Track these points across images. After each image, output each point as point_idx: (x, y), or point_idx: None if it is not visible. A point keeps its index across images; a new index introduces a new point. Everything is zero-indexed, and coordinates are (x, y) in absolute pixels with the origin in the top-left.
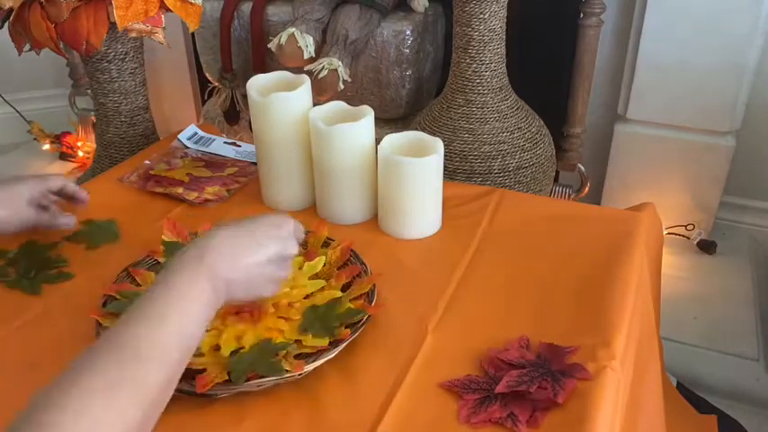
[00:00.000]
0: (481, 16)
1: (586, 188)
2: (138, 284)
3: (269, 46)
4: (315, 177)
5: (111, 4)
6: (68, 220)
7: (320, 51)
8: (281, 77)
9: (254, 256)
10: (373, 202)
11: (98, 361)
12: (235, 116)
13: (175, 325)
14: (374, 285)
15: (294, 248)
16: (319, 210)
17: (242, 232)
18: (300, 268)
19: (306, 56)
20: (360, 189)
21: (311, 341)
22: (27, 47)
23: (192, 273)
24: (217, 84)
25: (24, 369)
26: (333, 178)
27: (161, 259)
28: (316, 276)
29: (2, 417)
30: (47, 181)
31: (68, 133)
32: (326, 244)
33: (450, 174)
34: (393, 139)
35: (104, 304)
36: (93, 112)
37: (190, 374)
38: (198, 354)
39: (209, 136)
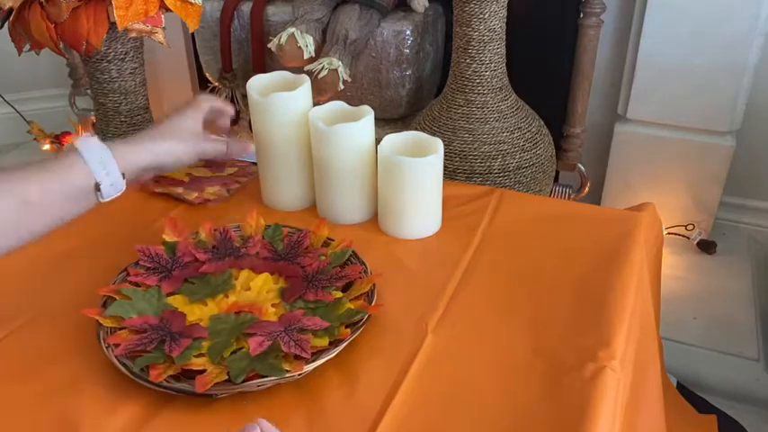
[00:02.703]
0: (481, 16)
1: (586, 188)
2: (138, 285)
3: (269, 46)
4: (315, 177)
5: (111, 4)
6: (241, 148)
7: (320, 51)
8: (281, 77)
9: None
10: (373, 202)
11: None
12: (235, 116)
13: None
14: (374, 285)
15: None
16: (319, 209)
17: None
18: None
19: (306, 56)
20: (360, 189)
21: (311, 341)
22: (27, 47)
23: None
24: (217, 84)
25: (24, 369)
26: (333, 178)
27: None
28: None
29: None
30: (200, 109)
31: (68, 133)
32: (326, 244)
33: (450, 174)
34: (393, 139)
35: (104, 304)
36: (93, 112)
37: (190, 374)
38: (198, 354)
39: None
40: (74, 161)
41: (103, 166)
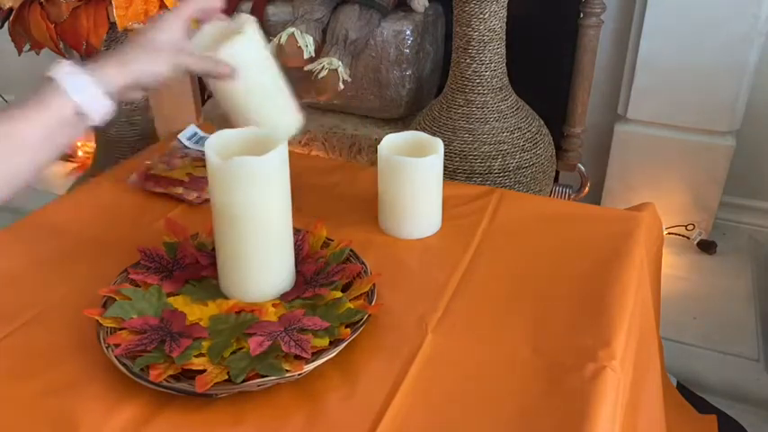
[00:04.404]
0: (481, 16)
1: (586, 188)
2: (138, 285)
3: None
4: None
5: (111, 4)
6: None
7: (320, 51)
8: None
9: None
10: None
11: None
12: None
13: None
14: (374, 285)
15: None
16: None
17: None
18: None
19: (306, 56)
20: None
21: (311, 341)
22: (27, 47)
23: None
24: None
25: (24, 369)
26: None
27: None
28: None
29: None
30: (180, 15)
31: None
32: (326, 244)
33: (450, 174)
34: (393, 139)
35: (104, 304)
36: None
37: (190, 374)
38: (198, 354)
39: (209, 136)
40: (54, 90)
41: (83, 91)
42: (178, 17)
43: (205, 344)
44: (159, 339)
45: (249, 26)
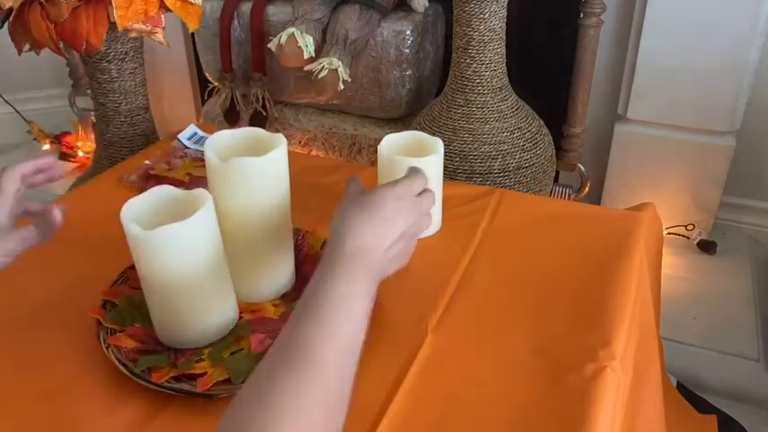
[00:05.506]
0: (481, 16)
1: (586, 188)
2: (136, 288)
3: (269, 46)
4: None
5: (111, 4)
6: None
7: (320, 51)
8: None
9: (390, 238)
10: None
11: (278, 374)
12: (235, 116)
13: (344, 327)
14: None
15: (423, 223)
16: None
17: (372, 213)
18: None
19: (306, 56)
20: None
21: None
22: (27, 47)
23: (350, 274)
24: (217, 84)
25: (24, 368)
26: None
27: None
28: None
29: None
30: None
31: (68, 133)
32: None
33: (450, 174)
34: (393, 139)
35: (104, 305)
36: (93, 112)
37: (190, 376)
38: (198, 359)
39: (209, 136)
40: None
41: None
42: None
43: (206, 350)
44: (163, 350)
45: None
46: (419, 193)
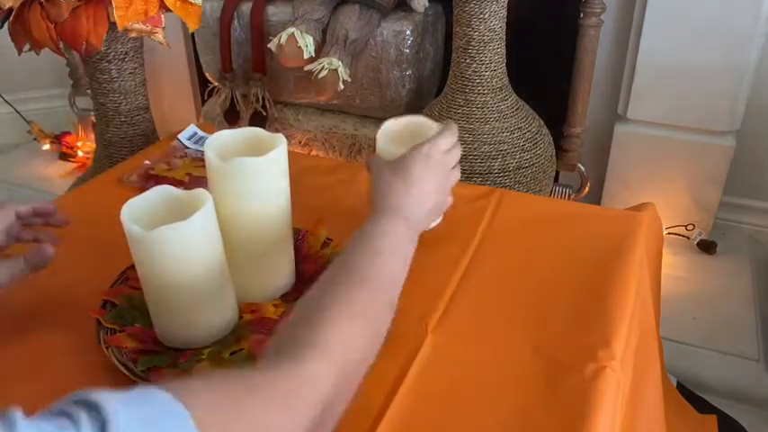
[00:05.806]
0: (481, 16)
1: (586, 188)
2: (136, 288)
3: (269, 46)
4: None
5: (111, 4)
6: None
7: (320, 51)
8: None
9: (423, 194)
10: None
11: (338, 287)
12: (235, 116)
13: (391, 261)
14: None
15: (452, 177)
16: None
17: (404, 176)
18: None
19: (306, 56)
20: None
21: None
22: (27, 47)
23: (393, 224)
24: (217, 84)
25: (24, 369)
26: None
27: None
28: None
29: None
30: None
31: (68, 133)
32: (326, 244)
33: None
34: (390, 130)
35: (104, 305)
36: (93, 112)
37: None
38: (198, 358)
39: (209, 136)
40: None
41: None
42: None
43: (206, 350)
44: (163, 351)
45: None
46: (448, 150)
